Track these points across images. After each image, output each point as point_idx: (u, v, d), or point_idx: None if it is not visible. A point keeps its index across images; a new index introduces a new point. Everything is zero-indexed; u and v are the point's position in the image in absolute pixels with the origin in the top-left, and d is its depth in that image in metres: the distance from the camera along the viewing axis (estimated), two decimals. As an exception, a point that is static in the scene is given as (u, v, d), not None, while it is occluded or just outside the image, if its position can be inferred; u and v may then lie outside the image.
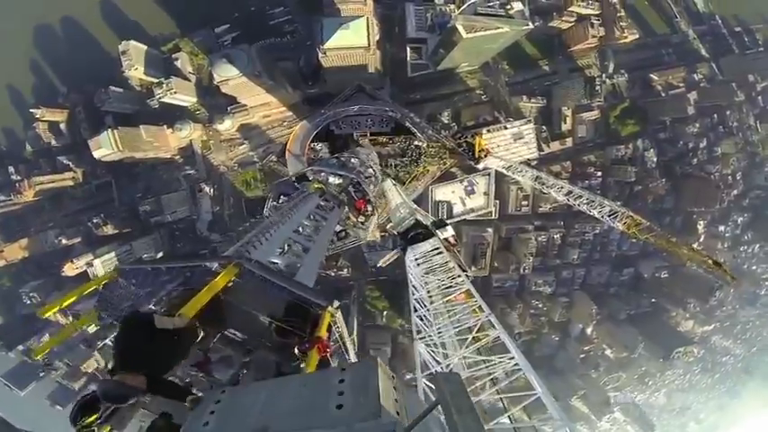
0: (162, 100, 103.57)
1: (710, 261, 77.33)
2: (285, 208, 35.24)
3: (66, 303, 13.90)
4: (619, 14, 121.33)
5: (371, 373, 5.27)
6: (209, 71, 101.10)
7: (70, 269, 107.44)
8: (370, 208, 47.36)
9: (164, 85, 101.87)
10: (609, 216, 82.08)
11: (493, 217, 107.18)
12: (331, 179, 47.04)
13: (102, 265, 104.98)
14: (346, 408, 4.80)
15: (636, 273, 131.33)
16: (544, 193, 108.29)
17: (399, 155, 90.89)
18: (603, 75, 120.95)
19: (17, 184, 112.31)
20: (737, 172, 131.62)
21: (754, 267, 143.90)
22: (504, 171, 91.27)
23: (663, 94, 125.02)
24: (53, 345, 16.02)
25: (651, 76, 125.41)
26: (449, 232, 46.78)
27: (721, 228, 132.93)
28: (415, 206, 67.02)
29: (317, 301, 13.37)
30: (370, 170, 63.21)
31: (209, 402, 6.12)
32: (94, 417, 9.47)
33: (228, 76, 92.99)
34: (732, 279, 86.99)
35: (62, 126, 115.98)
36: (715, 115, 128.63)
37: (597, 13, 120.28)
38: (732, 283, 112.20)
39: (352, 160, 60.91)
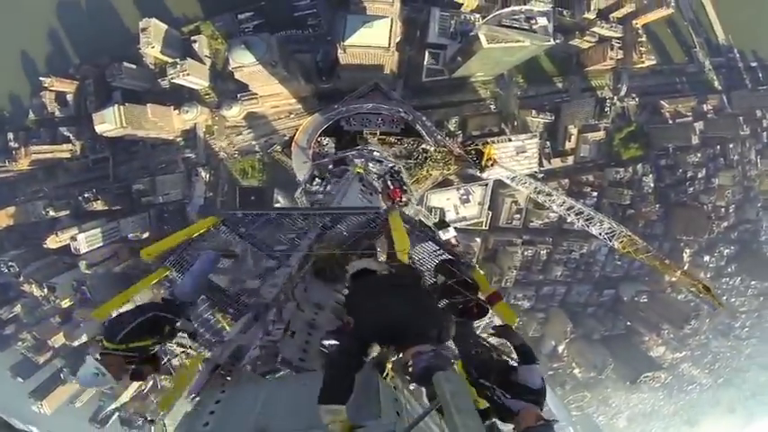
0: (173, 80, 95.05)
1: (701, 286, 72.73)
2: (337, 189, 34.27)
3: (164, 248, 11.78)
4: (640, 39, 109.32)
5: (372, 373, 5.15)
6: (226, 56, 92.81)
7: (53, 242, 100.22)
8: (405, 198, 43.58)
9: (177, 66, 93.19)
10: (607, 234, 77.31)
11: (483, 227, 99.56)
12: (371, 165, 44.43)
13: (85, 240, 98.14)
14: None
15: (616, 295, 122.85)
16: (538, 209, 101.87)
17: (405, 156, 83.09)
18: (615, 97, 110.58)
19: (14, 152, 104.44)
20: (731, 205, 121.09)
21: (732, 299, 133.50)
22: (508, 182, 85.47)
23: (670, 122, 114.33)
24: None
25: (661, 102, 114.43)
26: (450, 233, 40.48)
27: (706, 258, 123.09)
28: (419, 207, 64.22)
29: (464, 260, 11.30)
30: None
31: (208, 402, 5.67)
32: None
33: (244, 62, 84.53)
34: (719, 305, 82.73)
35: (69, 97, 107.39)
36: (718, 147, 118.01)
37: (619, 36, 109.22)
38: (720, 309, 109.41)
39: (375, 154, 55.68)
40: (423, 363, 5.21)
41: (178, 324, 8.91)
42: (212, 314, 11.47)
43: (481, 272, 10.91)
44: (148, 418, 8.69)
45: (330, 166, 45.43)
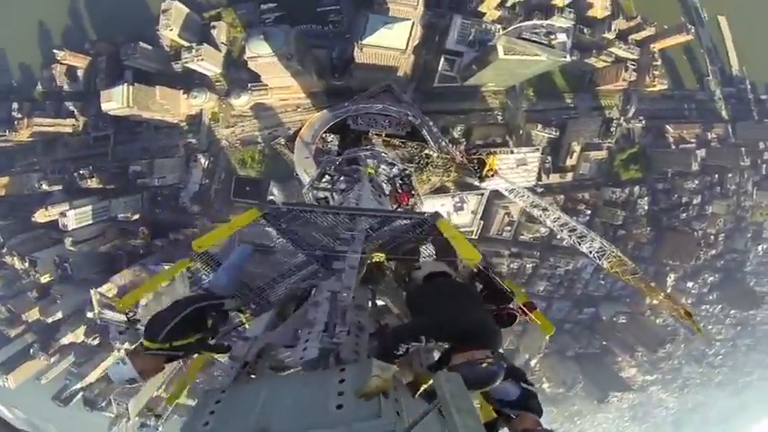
0: (186, 64, 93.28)
1: (683, 311, 73.78)
2: (349, 188, 33.82)
3: (215, 240, 10.72)
4: (655, 63, 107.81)
5: (371, 372, 4.67)
6: (243, 45, 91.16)
7: (42, 215, 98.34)
8: (411, 202, 42.08)
9: (193, 51, 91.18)
10: (597, 252, 77.25)
11: (473, 236, 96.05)
12: (383, 167, 43.36)
13: (75, 216, 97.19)
14: (346, 408, 4.32)
15: (595, 313, 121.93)
16: (530, 222, 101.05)
17: (407, 160, 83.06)
18: (622, 118, 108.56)
19: (16, 122, 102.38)
20: (721, 233, 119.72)
21: (710, 327, 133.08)
22: (506, 193, 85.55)
23: (673, 147, 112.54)
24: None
25: (667, 127, 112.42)
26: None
27: (690, 283, 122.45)
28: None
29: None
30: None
31: (208, 402, 5.45)
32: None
33: (261, 53, 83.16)
34: (698, 331, 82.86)
35: (80, 73, 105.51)
36: (716, 175, 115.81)
37: (635, 58, 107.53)
38: (697, 335, 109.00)
39: (378, 157, 51.97)
40: (481, 367, 5.55)
41: (225, 306, 8.75)
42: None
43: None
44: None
45: (341, 165, 43.38)
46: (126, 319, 10.17)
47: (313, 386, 4.89)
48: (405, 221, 11.09)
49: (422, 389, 5.26)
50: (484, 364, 5.59)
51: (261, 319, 10.12)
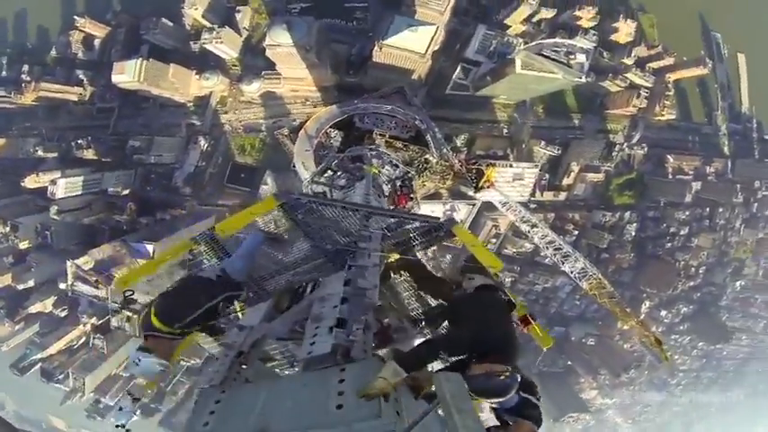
0: (204, 45, 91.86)
1: (653, 338, 75.62)
2: (350, 187, 33.88)
3: (237, 226, 10.54)
4: (667, 93, 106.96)
5: (372, 372, 4.89)
6: (264, 32, 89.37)
7: (32, 181, 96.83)
8: (409, 206, 41.90)
9: (214, 32, 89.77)
10: (578, 273, 77.91)
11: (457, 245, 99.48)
12: (386, 168, 43.28)
13: (65, 185, 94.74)
14: (346, 408, 4.38)
15: (565, 333, 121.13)
16: (516, 237, 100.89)
17: (406, 162, 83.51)
18: (625, 143, 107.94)
19: (23, 84, 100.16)
20: (702, 266, 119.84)
21: (676, 357, 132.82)
22: (498, 205, 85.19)
23: (670, 177, 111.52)
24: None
25: (668, 156, 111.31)
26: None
27: (663, 312, 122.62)
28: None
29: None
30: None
31: (208, 402, 5.52)
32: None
33: (281, 41, 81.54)
34: (665, 359, 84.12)
35: (96, 42, 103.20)
36: (708, 209, 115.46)
37: (649, 86, 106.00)
38: (664, 363, 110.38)
39: (384, 157, 51.44)
40: (498, 380, 5.81)
41: (241, 297, 8.64)
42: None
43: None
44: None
45: (345, 161, 43.48)
46: (123, 297, 10.47)
47: (313, 386, 4.97)
48: (418, 224, 10.87)
49: (423, 392, 5.63)
50: (501, 377, 5.87)
51: (256, 308, 10.18)
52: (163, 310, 7.19)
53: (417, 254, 11.01)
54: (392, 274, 10.47)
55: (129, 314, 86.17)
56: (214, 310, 7.64)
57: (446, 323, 9.76)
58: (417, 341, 9.04)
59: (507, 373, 5.91)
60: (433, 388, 4.88)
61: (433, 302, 10.59)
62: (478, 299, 7.97)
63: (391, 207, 37.73)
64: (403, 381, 5.19)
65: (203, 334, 8.05)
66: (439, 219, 10.37)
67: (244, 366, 7.15)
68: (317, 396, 4.67)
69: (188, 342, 7.83)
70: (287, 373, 9.16)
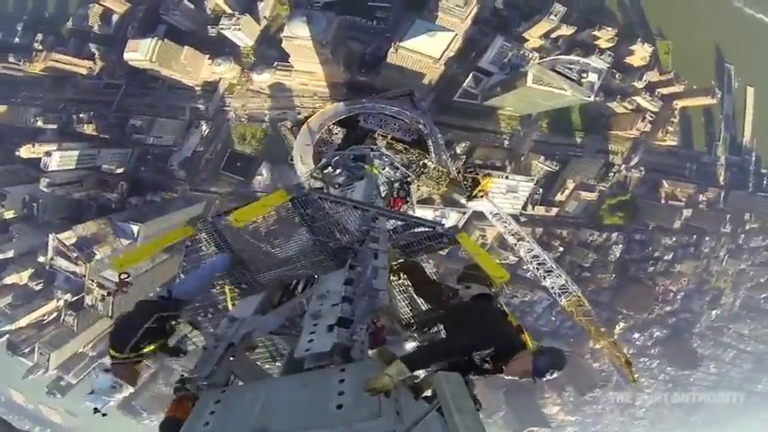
0: (222, 31, 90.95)
1: (624, 359, 75.67)
2: (348, 186, 31.78)
3: (254, 215, 10.62)
4: (672, 119, 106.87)
5: (372, 372, 4.96)
6: (283, 23, 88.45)
7: (27, 151, 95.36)
8: (404, 209, 38.83)
9: (233, 19, 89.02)
10: (558, 289, 78.84)
11: (442, 253, 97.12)
12: (387, 169, 40.36)
13: (59, 158, 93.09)
14: (346, 408, 4.39)
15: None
16: (501, 249, 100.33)
17: (404, 165, 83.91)
18: (623, 165, 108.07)
19: (35, 53, 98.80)
20: (681, 292, 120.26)
21: (643, 379, 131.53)
22: (489, 216, 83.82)
23: (662, 201, 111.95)
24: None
25: (663, 181, 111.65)
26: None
27: (637, 335, 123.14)
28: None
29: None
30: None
31: (208, 402, 5.66)
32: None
33: (299, 34, 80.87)
34: (633, 381, 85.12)
35: (114, 17, 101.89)
36: (695, 236, 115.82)
37: (655, 110, 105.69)
38: (631, 384, 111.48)
39: (385, 158, 55.28)
40: (546, 357, 6.12)
41: (180, 324, 8.69)
42: (219, 286, 11.13)
43: None
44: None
45: (346, 159, 43.10)
46: (119, 279, 11.35)
47: (313, 386, 5.01)
48: (423, 230, 10.94)
49: (423, 392, 5.84)
50: (546, 355, 6.14)
51: (247, 301, 10.11)
52: (114, 339, 7.70)
53: (418, 258, 11.15)
54: (391, 276, 10.35)
55: (104, 293, 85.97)
56: (156, 330, 7.83)
57: (442, 328, 9.63)
58: (409, 344, 9.58)
59: (544, 352, 6.20)
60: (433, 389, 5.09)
61: (424, 307, 10.84)
62: (478, 306, 8.18)
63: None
64: (405, 380, 5.48)
65: (162, 354, 8.27)
66: (444, 225, 10.58)
67: (231, 358, 7.33)
68: (317, 396, 4.76)
69: (141, 365, 8.13)
70: (267, 367, 9.18)
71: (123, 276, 9.73)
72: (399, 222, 11.59)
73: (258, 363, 9.09)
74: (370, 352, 7.14)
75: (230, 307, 10.54)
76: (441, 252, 11.97)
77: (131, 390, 7.69)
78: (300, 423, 4.45)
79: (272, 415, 4.74)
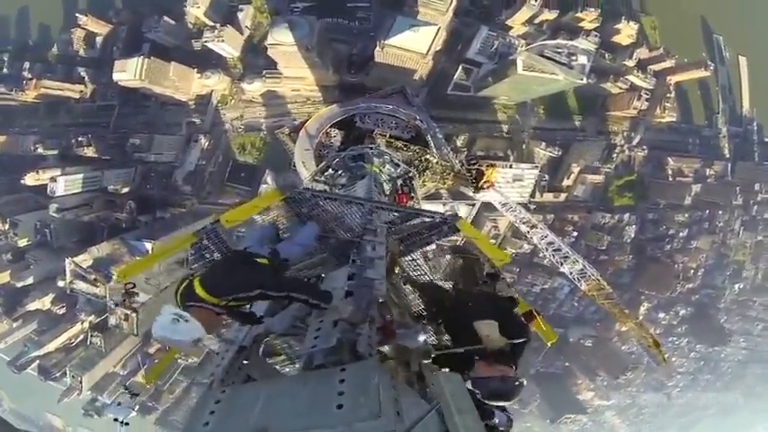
0: (206, 44, 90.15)
1: (652, 339, 73.91)
2: (350, 186, 33.60)
3: (243, 217, 10.65)
4: (668, 95, 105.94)
5: (372, 372, 4.64)
6: (266, 31, 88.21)
7: (32, 179, 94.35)
8: (409, 205, 37.17)
9: (215, 31, 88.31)
10: (577, 274, 76.88)
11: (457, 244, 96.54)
12: (387, 166, 41.52)
13: (65, 183, 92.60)
14: (346, 408, 4.16)
15: (564, 335, 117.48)
16: (515, 238, 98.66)
17: (407, 162, 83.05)
18: (626, 145, 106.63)
19: (25, 82, 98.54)
20: (701, 268, 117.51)
21: (674, 359, 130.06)
22: (498, 206, 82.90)
23: (670, 179, 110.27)
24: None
25: (668, 158, 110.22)
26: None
27: (662, 314, 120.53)
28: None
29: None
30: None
31: (208, 402, 5.23)
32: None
33: (283, 40, 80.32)
34: (663, 361, 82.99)
35: (98, 39, 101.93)
36: (707, 211, 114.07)
37: (650, 88, 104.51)
38: (662, 365, 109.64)
39: (385, 156, 54.53)
40: (513, 385, 5.78)
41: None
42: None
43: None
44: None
45: (345, 160, 43.01)
46: (124, 290, 9.85)
47: (313, 386, 4.81)
48: (422, 220, 10.92)
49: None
50: (516, 383, 5.81)
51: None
52: (213, 282, 6.50)
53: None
54: (395, 270, 9.97)
55: (128, 312, 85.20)
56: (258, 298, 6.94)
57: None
58: (421, 337, 8.30)
59: (519, 381, 5.84)
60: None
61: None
62: (483, 298, 7.86)
63: None
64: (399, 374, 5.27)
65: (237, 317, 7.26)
66: (444, 214, 10.52)
67: (245, 362, 6.91)
68: (317, 396, 4.49)
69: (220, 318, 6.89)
70: (287, 370, 9.03)
71: (129, 287, 9.11)
72: (396, 214, 11.55)
73: (278, 366, 9.06)
74: (386, 348, 7.01)
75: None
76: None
77: (202, 335, 6.16)
78: (301, 423, 4.24)
79: (272, 415, 4.53)
